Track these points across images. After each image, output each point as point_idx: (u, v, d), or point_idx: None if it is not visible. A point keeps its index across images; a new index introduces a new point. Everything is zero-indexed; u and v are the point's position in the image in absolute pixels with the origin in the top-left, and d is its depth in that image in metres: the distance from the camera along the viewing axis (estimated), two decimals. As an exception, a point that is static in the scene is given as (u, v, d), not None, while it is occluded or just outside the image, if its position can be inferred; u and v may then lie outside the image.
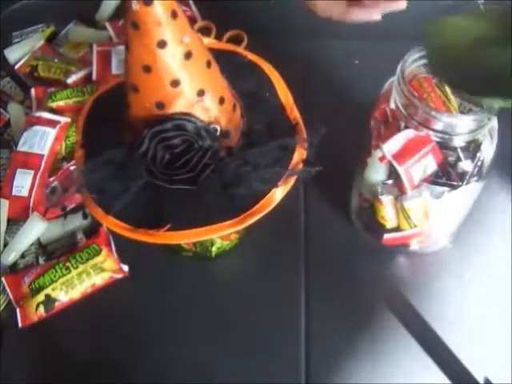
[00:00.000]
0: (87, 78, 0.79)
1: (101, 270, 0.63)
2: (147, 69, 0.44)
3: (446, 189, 0.54)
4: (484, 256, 0.65)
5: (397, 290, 0.64)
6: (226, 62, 0.51)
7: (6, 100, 0.79)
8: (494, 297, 0.62)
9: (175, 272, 0.66)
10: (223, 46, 0.62)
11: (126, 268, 0.64)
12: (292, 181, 0.51)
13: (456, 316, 0.62)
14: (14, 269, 0.66)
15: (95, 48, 0.80)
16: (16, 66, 0.82)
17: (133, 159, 0.48)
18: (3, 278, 0.64)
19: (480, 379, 0.58)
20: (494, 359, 0.59)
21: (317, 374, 0.59)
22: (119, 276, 0.64)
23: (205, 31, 0.81)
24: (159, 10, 0.41)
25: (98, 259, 0.63)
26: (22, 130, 0.71)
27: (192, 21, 0.84)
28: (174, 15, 0.43)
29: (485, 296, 0.63)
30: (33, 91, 0.77)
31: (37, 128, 0.70)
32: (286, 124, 0.54)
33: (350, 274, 0.65)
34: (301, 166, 0.51)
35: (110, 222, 0.51)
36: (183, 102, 0.47)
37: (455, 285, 0.64)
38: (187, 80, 0.46)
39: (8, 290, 0.63)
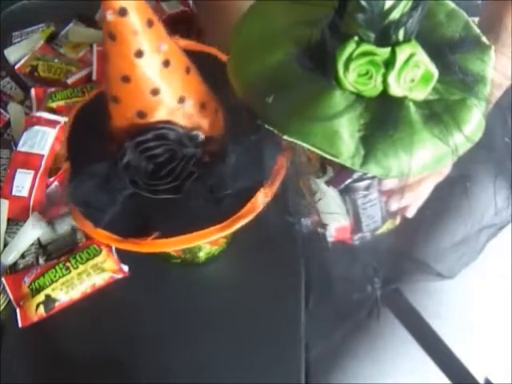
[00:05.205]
0: (87, 78, 0.79)
1: (101, 270, 0.63)
2: (126, 79, 0.44)
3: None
4: (484, 255, 0.65)
5: (394, 290, 0.64)
6: (202, 64, 0.50)
7: (6, 100, 0.79)
8: (494, 297, 0.62)
9: (175, 272, 0.65)
10: (198, 47, 0.61)
11: (125, 268, 0.64)
12: (278, 183, 0.51)
13: (456, 316, 0.62)
14: (13, 269, 0.66)
15: (95, 48, 0.81)
16: (16, 66, 0.82)
17: (117, 171, 0.47)
18: (3, 278, 0.64)
19: (480, 379, 0.58)
20: (494, 359, 0.59)
21: (317, 374, 0.59)
22: (119, 276, 0.64)
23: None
24: (134, 20, 0.41)
25: (98, 259, 0.63)
26: (22, 130, 0.71)
27: (192, 20, 0.84)
28: (150, 24, 0.42)
29: (485, 296, 0.63)
30: (33, 91, 0.77)
31: (37, 128, 0.70)
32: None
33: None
34: (286, 167, 0.51)
35: (99, 234, 0.51)
36: (164, 109, 0.46)
37: (455, 285, 0.64)
38: (167, 88, 0.45)
39: (8, 290, 0.63)
